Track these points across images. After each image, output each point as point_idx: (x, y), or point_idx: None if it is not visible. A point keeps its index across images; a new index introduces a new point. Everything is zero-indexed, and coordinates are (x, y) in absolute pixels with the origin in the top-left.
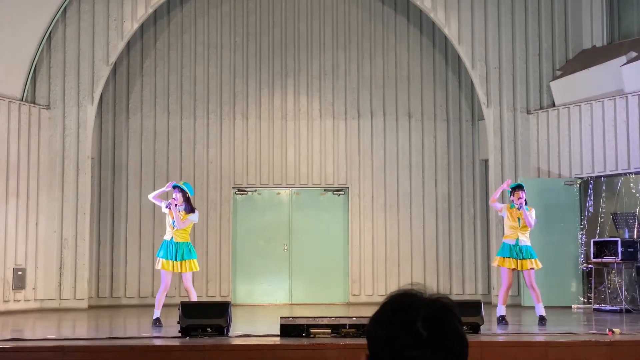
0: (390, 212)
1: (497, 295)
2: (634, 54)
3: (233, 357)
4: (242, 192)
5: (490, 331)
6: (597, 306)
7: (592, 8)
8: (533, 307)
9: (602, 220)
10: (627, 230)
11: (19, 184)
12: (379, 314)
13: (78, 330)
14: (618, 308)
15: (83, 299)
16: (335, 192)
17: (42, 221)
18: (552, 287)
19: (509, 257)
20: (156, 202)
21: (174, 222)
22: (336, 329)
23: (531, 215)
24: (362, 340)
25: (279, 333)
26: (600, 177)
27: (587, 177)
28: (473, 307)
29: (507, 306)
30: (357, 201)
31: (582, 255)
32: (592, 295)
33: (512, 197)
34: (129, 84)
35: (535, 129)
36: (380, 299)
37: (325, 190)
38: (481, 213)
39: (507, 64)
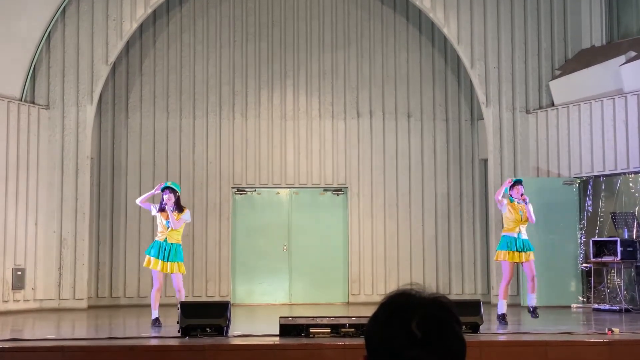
0: (389, 212)
1: (497, 295)
2: (633, 54)
3: (232, 357)
4: (241, 192)
5: (490, 331)
6: (596, 306)
7: (591, 8)
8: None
9: (601, 219)
10: (626, 229)
11: (18, 184)
12: (376, 314)
13: (77, 330)
14: (617, 307)
15: (82, 299)
16: (334, 192)
17: (41, 221)
18: (552, 287)
19: (510, 250)
20: (145, 207)
21: (168, 223)
22: (335, 328)
23: (531, 210)
24: (362, 340)
25: (278, 333)
26: (599, 176)
27: (587, 176)
28: (472, 307)
29: (507, 305)
30: (356, 201)
31: (582, 255)
32: (592, 295)
33: (510, 191)
34: (128, 83)
35: (534, 129)
36: (380, 299)
37: (324, 190)
38: (480, 212)
39: (506, 64)
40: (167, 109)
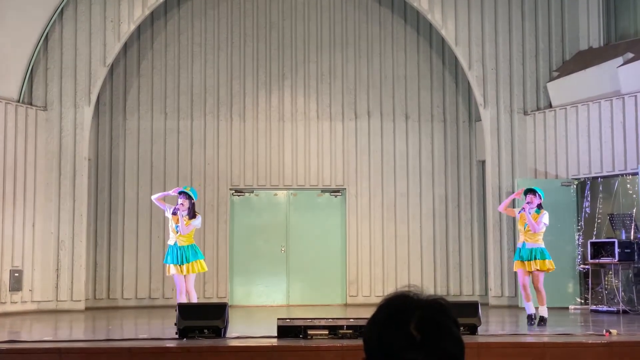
0: (387, 213)
1: (495, 296)
2: (630, 55)
3: (230, 358)
4: (239, 193)
5: (488, 332)
6: (594, 307)
7: (588, 9)
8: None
9: (599, 221)
10: (624, 231)
11: (15, 186)
12: (375, 316)
13: (75, 332)
14: (615, 309)
15: (80, 301)
16: (332, 193)
17: (38, 222)
18: (549, 288)
19: (519, 260)
20: (159, 205)
21: (177, 227)
22: (333, 330)
23: (539, 219)
24: (360, 342)
25: (276, 334)
26: (597, 178)
27: (584, 178)
28: (470, 308)
29: (505, 307)
30: (354, 202)
31: (579, 256)
32: (589, 296)
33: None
34: (125, 85)
35: (532, 130)
36: (378, 300)
37: (322, 191)
38: (478, 214)
39: (504, 65)
40: (165, 110)
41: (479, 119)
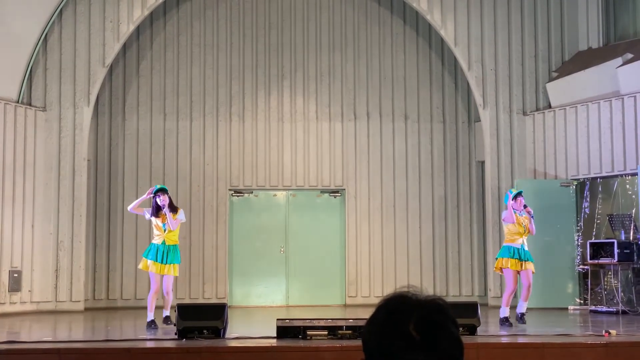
0: (386, 214)
1: (495, 297)
2: (629, 56)
3: (229, 359)
4: (238, 194)
5: (487, 333)
6: (593, 307)
7: (588, 10)
8: (530, 309)
9: (598, 221)
10: (623, 231)
11: (14, 186)
12: (374, 317)
13: (74, 332)
14: (614, 309)
15: (79, 301)
16: (331, 194)
17: (38, 223)
18: (549, 289)
19: (512, 258)
20: (137, 213)
21: (165, 225)
22: (333, 330)
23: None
24: (359, 342)
25: (275, 335)
26: (596, 178)
27: (584, 178)
28: (469, 309)
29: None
30: (353, 203)
31: (579, 257)
32: (589, 297)
33: (513, 204)
34: (125, 85)
35: (531, 131)
36: (377, 301)
37: (321, 192)
38: (477, 214)
39: (503, 66)
40: (164, 110)
41: (478, 120)
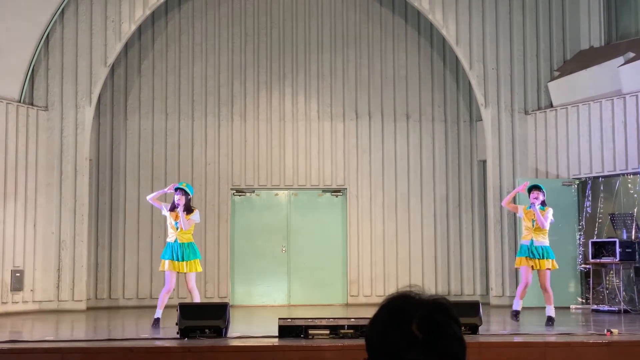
0: (388, 213)
1: (496, 296)
2: (631, 55)
3: (231, 358)
4: (240, 193)
5: (489, 332)
6: (595, 307)
7: (589, 9)
8: (532, 308)
9: (600, 220)
10: (625, 230)
11: (17, 186)
12: (376, 316)
13: (76, 332)
14: (616, 308)
15: (81, 301)
16: (333, 193)
17: (40, 223)
18: (551, 288)
19: (525, 257)
20: (155, 205)
21: (177, 223)
22: (334, 330)
23: (546, 215)
24: (361, 341)
25: (277, 334)
26: (598, 177)
27: (585, 177)
28: (471, 308)
29: (506, 306)
30: (355, 202)
31: (581, 256)
32: (591, 296)
33: (530, 198)
34: (126, 85)
35: (533, 130)
36: (379, 300)
37: (323, 191)
38: (479, 214)
39: (504, 65)
40: (166, 110)
41: (479, 119)
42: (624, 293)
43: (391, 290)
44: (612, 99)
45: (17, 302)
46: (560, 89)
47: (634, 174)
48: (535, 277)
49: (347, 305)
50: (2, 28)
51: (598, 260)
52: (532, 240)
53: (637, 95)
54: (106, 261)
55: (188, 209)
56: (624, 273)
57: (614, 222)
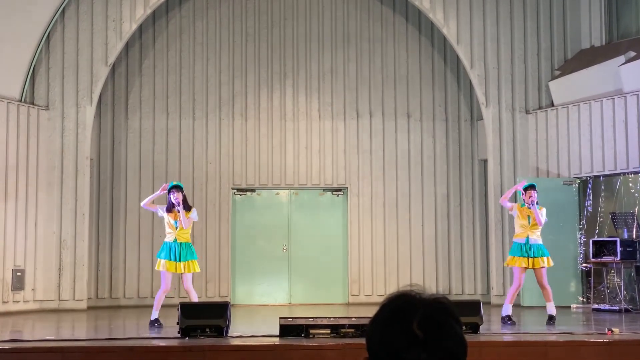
0: (389, 212)
1: (497, 295)
2: (632, 54)
3: (232, 357)
4: (241, 193)
5: (490, 331)
6: (596, 306)
7: (590, 8)
8: (533, 307)
9: (601, 220)
10: (626, 229)
11: (17, 185)
12: (377, 316)
13: (77, 331)
14: (617, 308)
15: (82, 300)
16: (334, 193)
17: (41, 222)
18: (552, 287)
19: (519, 256)
20: (150, 209)
21: (176, 223)
22: (335, 329)
23: (542, 213)
24: (362, 341)
25: (278, 333)
26: (599, 176)
27: (586, 176)
28: (472, 307)
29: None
30: (356, 201)
31: (581, 255)
32: (591, 295)
33: (524, 196)
34: (127, 84)
35: (534, 129)
36: (380, 299)
37: (324, 190)
38: (480, 213)
39: (505, 64)
40: (167, 109)
41: (480, 118)
42: (624, 292)
43: (392, 289)
44: (613, 98)
45: (18, 302)
46: (561, 88)
47: (635, 173)
48: (530, 277)
49: (348, 304)
50: (3, 27)
51: (599, 260)
52: (527, 238)
53: (638, 94)
54: (107, 260)
55: (186, 206)
56: (624, 272)
57: (614, 221)
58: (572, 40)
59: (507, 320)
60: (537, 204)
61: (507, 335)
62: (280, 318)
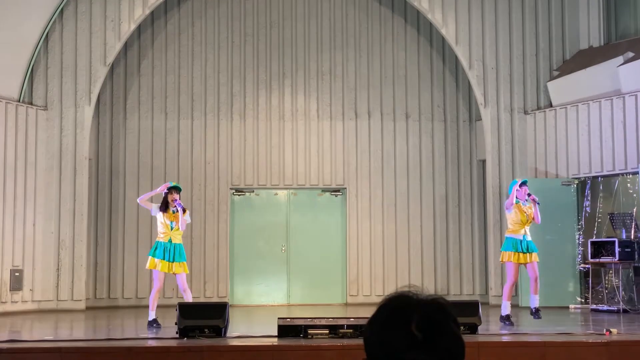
0: (387, 213)
1: (496, 296)
2: (630, 54)
3: (231, 358)
4: (239, 193)
5: (488, 331)
6: (594, 306)
7: (589, 8)
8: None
9: (599, 220)
10: (624, 230)
11: (16, 185)
12: (375, 316)
13: (75, 331)
14: (615, 308)
15: (80, 300)
16: (332, 193)
17: (39, 222)
18: (550, 288)
19: (515, 252)
20: (145, 206)
21: (172, 223)
22: (334, 329)
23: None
24: (360, 341)
25: (276, 334)
26: (597, 177)
27: (585, 177)
28: (471, 308)
29: None
30: (354, 202)
31: (580, 256)
32: (590, 296)
33: (518, 192)
34: (126, 84)
35: (532, 129)
36: (378, 300)
37: (322, 190)
38: (479, 213)
39: (504, 64)
40: (165, 110)
41: (479, 118)
42: (623, 293)
43: (390, 289)
44: (612, 99)
45: (16, 302)
46: (559, 89)
47: (633, 173)
48: (524, 273)
49: (347, 304)
50: (2, 27)
51: (597, 260)
52: (524, 235)
53: (636, 95)
54: (105, 261)
55: (183, 209)
56: (623, 273)
57: (613, 222)
58: (570, 41)
59: (506, 320)
60: (536, 201)
61: (506, 335)
62: (278, 318)
